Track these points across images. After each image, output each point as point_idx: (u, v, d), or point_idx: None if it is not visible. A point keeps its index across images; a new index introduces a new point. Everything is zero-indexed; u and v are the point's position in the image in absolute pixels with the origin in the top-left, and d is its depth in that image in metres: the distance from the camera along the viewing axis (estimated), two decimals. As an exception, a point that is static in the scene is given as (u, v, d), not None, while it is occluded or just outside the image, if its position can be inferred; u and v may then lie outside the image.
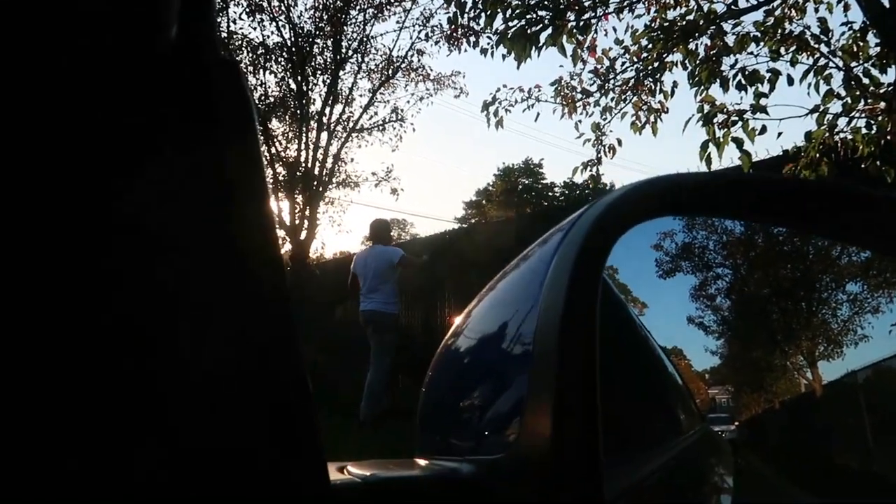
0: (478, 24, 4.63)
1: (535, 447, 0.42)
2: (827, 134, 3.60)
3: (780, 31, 3.97)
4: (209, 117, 0.27)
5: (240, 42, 12.25)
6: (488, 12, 4.10)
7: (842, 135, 3.65)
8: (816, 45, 3.88)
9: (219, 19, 11.77)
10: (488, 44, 4.61)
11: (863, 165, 3.56)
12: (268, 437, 0.26)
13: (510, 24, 4.10)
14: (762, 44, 3.97)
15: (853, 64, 3.80)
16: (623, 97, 4.72)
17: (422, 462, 0.60)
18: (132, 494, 0.24)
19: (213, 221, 0.27)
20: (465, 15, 4.52)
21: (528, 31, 3.94)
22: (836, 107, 3.73)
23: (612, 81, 4.73)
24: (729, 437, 0.77)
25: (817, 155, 3.60)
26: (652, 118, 4.68)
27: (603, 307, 0.50)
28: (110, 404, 0.24)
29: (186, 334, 0.26)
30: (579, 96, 4.86)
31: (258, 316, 0.27)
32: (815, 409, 0.77)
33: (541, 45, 4.00)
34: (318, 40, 12.44)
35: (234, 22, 12.25)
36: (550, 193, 31.85)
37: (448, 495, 0.49)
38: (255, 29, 13.40)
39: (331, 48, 12.47)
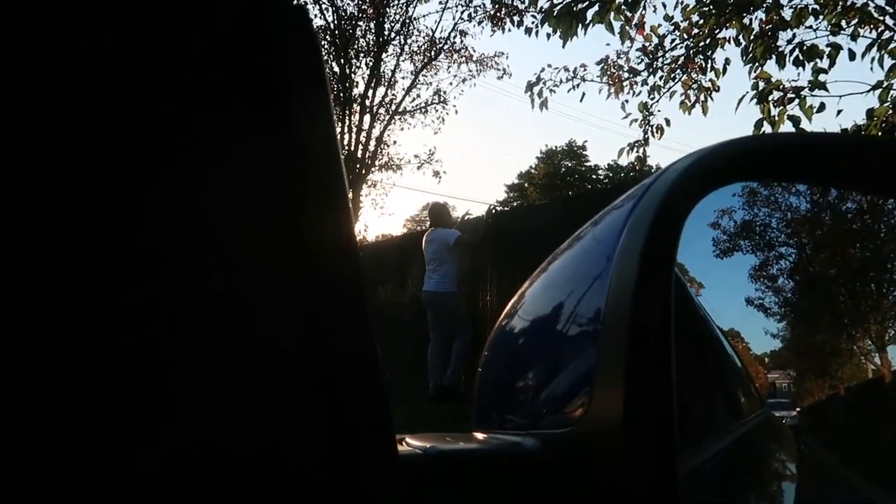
0: (522, 2, 4.56)
1: (605, 423, 0.41)
2: (890, 111, 3.43)
3: (840, 3, 3.78)
4: (276, 106, 0.27)
5: (284, 26, 12.33)
6: (533, -10, 4.03)
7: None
8: (881, 18, 3.68)
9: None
10: (533, 23, 4.54)
11: (929, 144, 3.38)
12: (337, 438, 0.26)
13: (555, 1, 4.02)
14: (821, 17, 3.80)
15: (921, 37, 3.59)
16: (672, 76, 4.59)
17: (480, 436, 0.59)
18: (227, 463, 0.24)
19: (282, 216, 0.26)
20: (509, -7, 4.45)
21: (575, 9, 3.85)
22: (901, 82, 3.54)
23: (660, 59, 4.60)
24: (790, 423, 0.74)
25: (879, 133, 3.43)
26: (702, 97, 4.54)
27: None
28: (190, 401, 0.24)
29: (263, 326, 0.25)
30: (626, 75, 4.75)
31: (332, 304, 0.26)
32: (884, 396, 0.73)
33: (587, 22, 3.91)
34: (361, 23, 12.46)
35: (279, 6, 12.33)
36: (594, 176, 31.38)
37: (512, 469, 0.48)
38: (298, 13, 13.44)
39: (373, 30, 12.49)
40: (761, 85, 3.42)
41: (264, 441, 0.25)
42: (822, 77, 3.38)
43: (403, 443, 0.50)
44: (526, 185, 32.09)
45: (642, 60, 4.67)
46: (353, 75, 12.51)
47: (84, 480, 0.22)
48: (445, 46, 12.71)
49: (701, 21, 4.26)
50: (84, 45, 0.24)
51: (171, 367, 0.24)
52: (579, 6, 3.85)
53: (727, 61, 4.48)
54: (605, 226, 0.56)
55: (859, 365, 0.74)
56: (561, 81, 4.79)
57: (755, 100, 3.41)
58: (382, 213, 19.25)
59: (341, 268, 0.27)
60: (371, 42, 12.50)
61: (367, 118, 12.54)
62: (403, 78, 13.08)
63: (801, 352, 0.77)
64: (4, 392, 0.22)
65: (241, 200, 0.26)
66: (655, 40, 4.53)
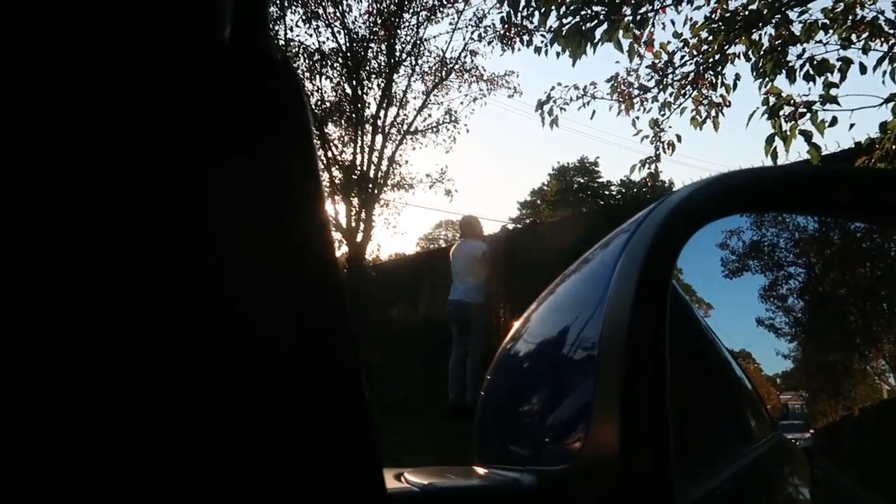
0: (531, 22, 4.60)
1: (601, 457, 0.40)
2: (904, 125, 3.40)
3: (850, 17, 3.77)
4: (264, 118, 0.27)
5: (297, 49, 12.53)
6: (542, 10, 4.06)
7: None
8: (891, 31, 3.67)
9: (276, 27, 12.09)
10: (542, 42, 4.56)
11: (944, 157, 3.34)
12: (322, 441, 0.26)
13: (564, 21, 4.04)
14: (831, 31, 3.78)
15: (933, 49, 3.57)
16: (682, 92, 4.58)
17: (481, 471, 0.58)
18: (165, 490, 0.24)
19: (268, 223, 0.27)
20: (519, 14, 4.48)
21: (583, 28, 3.88)
22: (913, 95, 3.51)
23: (670, 76, 4.61)
24: (803, 445, 0.73)
25: (893, 147, 3.40)
26: (713, 112, 4.53)
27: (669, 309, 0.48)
28: (148, 406, 0.24)
29: (241, 338, 0.26)
30: (636, 92, 4.75)
31: (314, 317, 0.27)
32: (898, 417, 0.72)
33: (596, 41, 3.93)
34: (373, 45, 12.60)
35: (291, 29, 12.55)
36: (607, 192, 31.29)
37: None
38: (311, 36, 13.68)
39: (385, 52, 12.62)
40: (772, 100, 3.41)
41: (255, 442, 0.25)
42: (833, 91, 3.36)
43: (402, 478, 0.50)
44: (538, 201, 32.06)
45: (652, 77, 4.68)
46: (365, 96, 12.64)
47: (76, 481, 0.23)
48: (456, 66, 12.83)
49: (710, 37, 4.27)
50: (84, 45, 0.25)
51: (165, 366, 0.24)
52: (588, 25, 3.87)
53: (737, 76, 4.47)
54: (612, 250, 0.57)
55: (873, 385, 0.73)
56: (571, 99, 4.80)
57: (766, 115, 3.39)
58: (395, 232, 19.32)
59: (325, 273, 0.28)
60: (383, 63, 12.64)
61: (379, 138, 12.65)
62: (415, 98, 13.20)
63: (813, 372, 0.76)
64: (3, 392, 0.23)
65: (234, 204, 0.26)
66: (665, 57, 4.54)
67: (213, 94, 0.27)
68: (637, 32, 4.08)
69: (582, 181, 32.19)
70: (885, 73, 3.54)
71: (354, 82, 12.48)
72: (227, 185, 0.26)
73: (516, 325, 0.72)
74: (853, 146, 3.96)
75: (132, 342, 0.24)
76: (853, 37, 3.72)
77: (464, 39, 13.38)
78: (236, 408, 0.25)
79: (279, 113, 0.28)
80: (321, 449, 0.26)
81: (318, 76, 12.65)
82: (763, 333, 0.78)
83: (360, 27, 12.56)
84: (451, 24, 12.93)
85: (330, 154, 12.47)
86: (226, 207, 0.26)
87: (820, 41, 3.76)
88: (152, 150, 0.25)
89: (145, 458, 0.23)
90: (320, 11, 12.35)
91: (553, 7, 4.05)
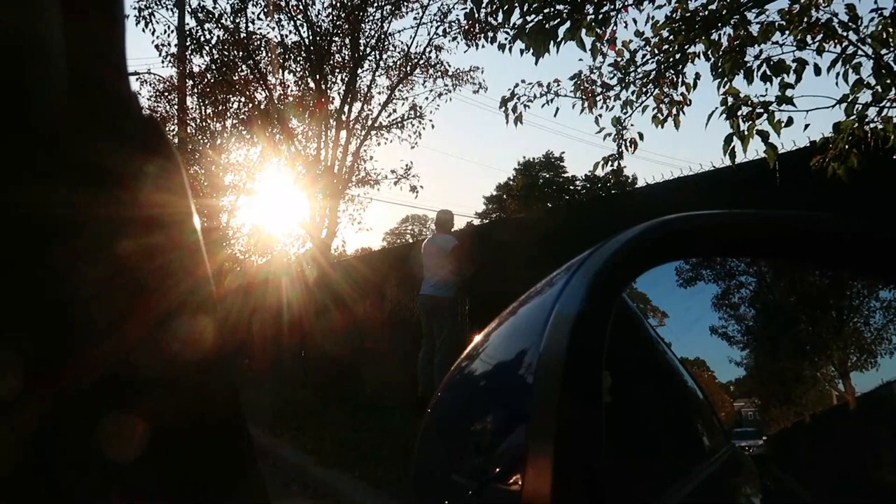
0: (495, 19, 4.59)
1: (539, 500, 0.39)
2: (856, 124, 3.50)
3: (805, 19, 3.86)
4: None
5: (258, 42, 12.32)
6: (505, 7, 4.05)
7: (872, 125, 3.54)
8: (844, 33, 3.76)
9: (237, 20, 11.85)
10: (506, 39, 4.56)
11: (894, 156, 3.45)
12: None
13: (527, 18, 4.04)
14: (787, 33, 3.87)
15: (884, 52, 3.67)
16: (644, 90, 4.64)
17: None
18: None
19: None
20: (482, 10, 4.47)
21: (546, 26, 3.89)
22: (865, 96, 3.61)
23: (632, 74, 4.65)
24: (757, 452, 0.73)
25: (846, 146, 3.50)
26: (674, 111, 4.59)
27: (617, 322, 0.47)
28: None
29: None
30: (599, 90, 4.79)
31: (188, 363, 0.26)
32: (849, 423, 0.73)
33: (559, 39, 3.94)
34: (336, 38, 12.46)
35: (253, 22, 12.32)
36: (572, 187, 31.62)
37: None
38: (273, 29, 13.45)
39: (349, 46, 12.48)
40: (730, 100, 3.47)
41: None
42: (788, 92, 3.44)
43: None
44: (504, 196, 32.22)
45: (614, 75, 4.72)
46: (328, 91, 12.49)
47: None
48: (421, 62, 12.76)
49: (671, 37, 4.32)
50: None
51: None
52: (551, 24, 3.88)
53: (697, 76, 4.55)
54: (547, 295, 0.56)
55: (823, 391, 0.74)
56: (535, 97, 4.82)
57: (724, 115, 3.45)
58: (360, 227, 19.16)
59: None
60: (347, 58, 12.49)
61: (343, 133, 12.51)
62: (379, 93, 13.09)
63: (765, 379, 0.77)
64: None
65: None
66: (627, 55, 4.58)
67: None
68: (599, 31, 4.11)
69: (547, 176, 32.46)
70: (838, 74, 3.63)
71: (318, 76, 12.32)
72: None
73: (474, 341, 0.70)
74: (808, 146, 4.06)
75: None
76: (808, 38, 3.80)
77: (428, 35, 13.33)
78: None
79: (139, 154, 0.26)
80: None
81: (280, 70, 12.45)
82: (716, 341, 0.78)
83: (323, 20, 12.41)
84: (415, 18, 12.86)
85: (293, 149, 12.31)
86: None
87: (776, 42, 3.84)
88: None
89: None
90: (282, 4, 12.15)
91: (516, 4, 4.05)
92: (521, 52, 4.36)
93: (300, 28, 12.37)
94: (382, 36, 12.51)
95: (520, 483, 0.42)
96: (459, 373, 0.69)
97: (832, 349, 0.75)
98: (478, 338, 0.71)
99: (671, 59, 4.41)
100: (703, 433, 0.73)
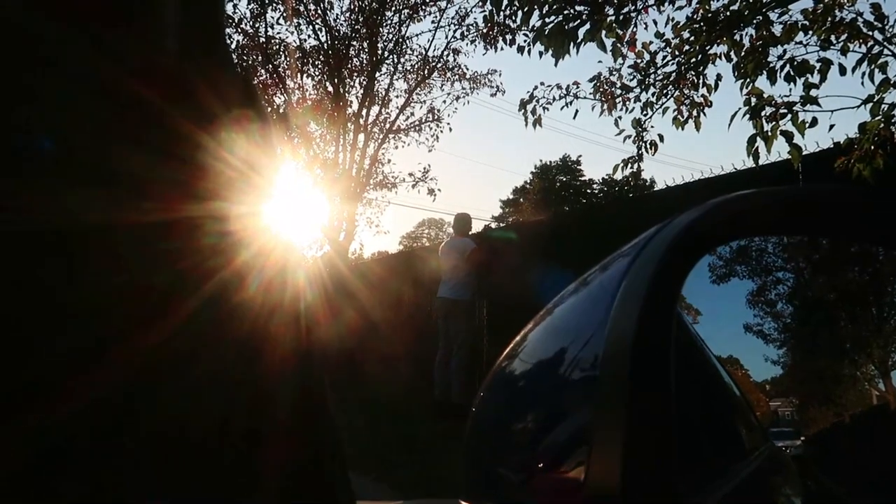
0: (514, 21, 4.58)
1: (602, 494, 0.38)
2: (882, 125, 3.44)
3: (829, 18, 3.81)
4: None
5: (278, 47, 12.42)
6: (525, 9, 4.05)
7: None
8: (870, 33, 3.70)
9: (257, 25, 11.96)
10: (525, 41, 4.56)
11: (922, 157, 3.39)
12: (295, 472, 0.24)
13: (547, 20, 4.03)
14: (811, 33, 3.82)
15: (910, 51, 3.61)
16: (664, 92, 4.60)
17: None
18: None
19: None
20: (501, 12, 4.46)
21: (566, 28, 3.87)
22: (892, 96, 3.56)
23: (652, 76, 4.62)
24: (794, 453, 0.71)
25: (872, 147, 3.44)
26: (695, 113, 4.56)
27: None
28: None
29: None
30: (619, 92, 4.76)
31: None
32: (890, 423, 0.71)
33: (579, 41, 3.93)
34: (355, 42, 12.53)
35: (272, 27, 12.44)
36: (589, 191, 31.47)
37: None
38: (292, 33, 13.56)
39: (367, 50, 12.55)
40: (753, 101, 3.43)
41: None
42: (813, 92, 3.39)
43: None
44: (521, 199, 32.16)
45: (634, 77, 4.69)
46: (346, 94, 12.56)
47: None
48: (438, 65, 12.79)
49: (692, 38, 4.29)
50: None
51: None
52: (571, 25, 3.87)
53: (719, 77, 4.51)
54: (612, 273, 0.54)
55: (863, 391, 0.72)
56: (554, 99, 4.80)
57: (748, 115, 3.41)
58: (378, 230, 19.25)
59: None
60: (365, 61, 12.56)
61: (361, 137, 12.57)
62: (397, 97, 13.14)
63: (803, 378, 0.75)
64: None
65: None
66: (647, 57, 4.56)
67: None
68: (619, 32, 4.09)
69: (564, 180, 32.34)
70: (863, 74, 3.58)
71: (336, 80, 12.40)
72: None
73: (513, 342, 0.69)
74: (832, 146, 4.00)
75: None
76: (832, 38, 3.75)
77: (446, 38, 13.34)
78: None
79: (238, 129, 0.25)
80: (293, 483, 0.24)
81: (299, 74, 12.55)
82: (751, 339, 0.77)
83: (341, 25, 12.48)
84: (433, 22, 12.89)
85: (312, 152, 12.39)
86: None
87: (800, 42, 3.80)
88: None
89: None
90: (301, 8, 12.25)
91: (535, 6, 4.04)
92: (540, 54, 4.35)
93: (319, 32, 12.47)
94: (400, 40, 12.57)
95: (580, 475, 0.41)
96: (502, 371, 0.68)
97: (873, 347, 0.73)
98: (516, 338, 0.70)
99: (692, 61, 4.37)
100: (742, 431, 0.72)
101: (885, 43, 3.64)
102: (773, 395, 0.75)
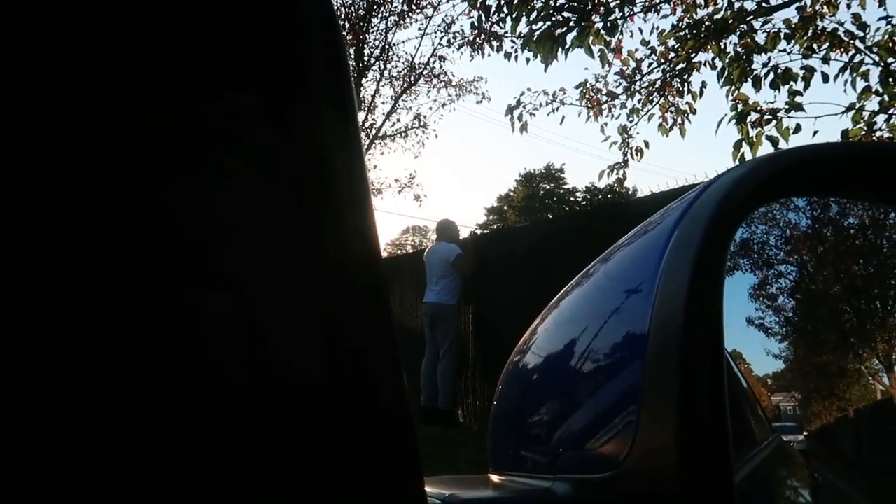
0: (502, 27, 4.60)
1: (654, 459, 0.37)
2: (864, 132, 3.49)
3: (811, 27, 3.87)
4: (295, 91, 0.23)
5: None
6: (513, 15, 4.06)
7: (880, 133, 3.53)
8: (850, 41, 3.76)
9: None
10: (512, 47, 4.57)
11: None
12: (364, 453, 0.22)
13: (535, 26, 4.05)
14: (793, 41, 3.87)
15: (890, 60, 3.67)
16: (650, 99, 4.64)
17: (496, 478, 0.54)
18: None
19: (302, 211, 0.23)
20: (489, 19, 4.48)
21: (555, 33, 3.89)
22: (872, 104, 3.61)
23: (638, 83, 4.66)
24: (798, 448, 0.70)
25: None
26: (679, 119, 4.60)
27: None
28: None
29: (272, 342, 0.21)
30: (605, 98, 4.80)
31: (352, 323, 0.23)
32: (894, 418, 0.70)
33: (567, 46, 3.95)
34: (341, 48, 12.49)
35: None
36: (572, 198, 31.69)
37: None
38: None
39: (353, 56, 12.54)
40: (740, 106, 3.47)
41: (275, 466, 0.21)
42: (797, 99, 3.43)
43: None
44: (505, 207, 32.28)
45: (620, 84, 4.73)
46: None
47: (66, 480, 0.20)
48: (425, 72, 12.82)
49: (677, 45, 4.33)
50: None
51: (165, 381, 0.21)
52: (559, 31, 3.89)
53: (703, 84, 4.56)
54: (622, 260, 0.53)
55: (868, 386, 0.72)
56: (541, 105, 4.82)
57: (734, 121, 3.45)
58: (363, 237, 19.04)
59: (363, 281, 0.23)
60: (351, 67, 12.54)
61: (346, 143, 12.52)
62: (383, 103, 13.17)
63: (807, 372, 0.74)
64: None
65: (249, 200, 0.22)
66: (633, 64, 4.59)
67: (220, 74, 0.22)
68: (607, 39, 4.12)
69: (548, 187, 32.53)
70: (846, 82, 3.63)
71: (322, 86, 12.37)
72: (243, 181, 0.22)
73: (523, 338, 0.68)
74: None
75: (130, 355, 0.20)
76: (815, 46, 3.81)
77: (433, 45, 13.39)
78: (244, 428, 0.21)
79: (314, 86, 0.23)
80: (360, 463, 0.22)
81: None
82: (753, 333, 0.76)
83: (327, 31, 12.45)
84: (420, 29, 12.92)
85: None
86: (239, 206, 0.22)
87: (784, 50, 3.85)
88: (150, 147, 0.21)
89: (132, 462, 0.20)
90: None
91: (524, 13, 4.06)
92: (528, 60, 4.37)
93: (304, 38, 12.43)
94: (386, 46, 12.59)
95: (626, 445, 0.40)
96: (516, 366, 0.66)
97: (877, 341, 0.73)
98: (525, 335, 0.69)
99: (677, 68, 4.41)
100: (751, 421, 0.71)
101: (866, 52, 3.70)
102: (775, 390, 0.75)
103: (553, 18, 3.90)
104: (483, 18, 4.49)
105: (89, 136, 0.21)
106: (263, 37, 0.22)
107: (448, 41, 12.44)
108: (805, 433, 0.71)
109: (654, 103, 4.67)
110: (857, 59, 3.71)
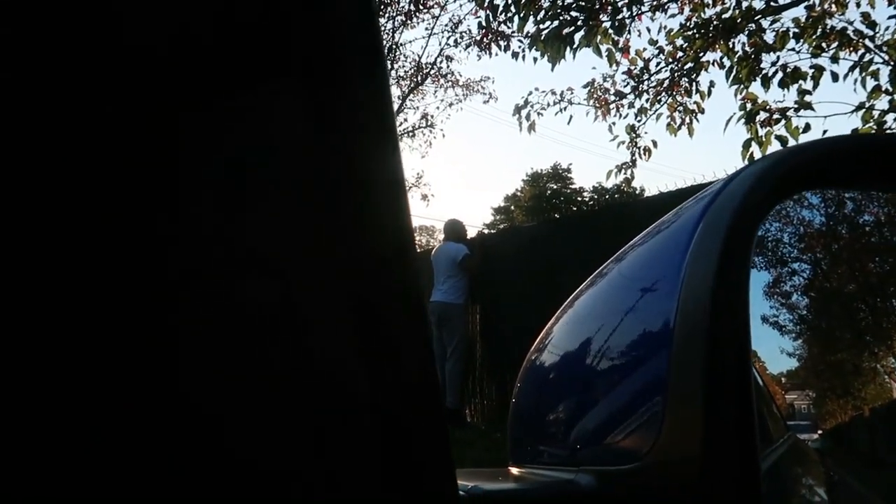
0: (509, 27, 4.59)
1: (679, 450, 0.37)
2: (874, 131, 3.47)
3: (820, 26, 3.84)
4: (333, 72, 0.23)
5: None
6: (521, 14, 4.06)
7: (890, 132, 3.51)
8: (860, 40, 3.74)
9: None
10: (520, 47, 4.57)
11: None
12: (396, 445, 0.22)
13: (542, 26, 4.04)
14: (802, 40, 3.85)
15: (900, 59, 3.65)
16: (658, 98, 4.63)
17: (516, 471, 0.54)
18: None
19: (337, 205, 0.23)
20: (497, 19, 4.47)
21: (563, 32, 3.89)
22: (882, 103, 3.59)
23: (646, 82, 4.65)
24: (812, 447, 0.70)
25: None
26: (688, 119, 4.58)
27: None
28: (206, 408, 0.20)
29: (298, 329, 0.22)
30: (613, 98, 4.78)
31: (386, 315, 0.23)
32: (910, 417, 0.70)
33: (575, 46, 3.94)
34: (347, 49, 12.51)
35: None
36: (579, 199, 31.62)
37: None
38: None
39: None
40: (749, 106, 3.46)
41: (312, 466, 0.21)
42: (807, 98, 3.42)
43: None
44: (512, 207, 32.24)
45: (628, 83, 4.71)
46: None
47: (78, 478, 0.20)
48: (432, 71, 12.83)
49: (685, 45, 4.32)
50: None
51: (196, 379, 0.21)
52: (567, 30, 3.88)
53: (711, 83, 4.54)
54: (638, 258, 0.53)
55: (883, 384, 0.71)
56: (548, 105, 4.82)
57: (743, 120, 3.43)
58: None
59: (396, 273, 0.23)
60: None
61: (353, 143, 12.54)
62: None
63: (821, 371, 0.74)
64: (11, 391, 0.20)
65: (283, 195, 0.22)
66: (641, 64, 4.58)
67: (255, 64, 0.22)
68: (615, 38, 4.11)
69: (555, 187, 32.48)
70: (855, 81, 3.61)
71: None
72: (277, 175, 0.22)
73: (539, 337, 0.68)
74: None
75: (160, 354, 0.20)
76: (824, 45, 3.78)
77: (440, 45, 13.40)
78: (278, 427, 0.21)
79: (352, 75, 0.23)
80: (390, 457, 0.22)
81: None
82: (767, 330, 0.76)
83: (334, 31, 12.48)
84: (427, 29, 12.93)
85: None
86: (274, 202, 0.22)
87: (792, 49, 3.83)
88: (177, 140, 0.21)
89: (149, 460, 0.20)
90: (294, 14, 12.24)
91: (531, 12, 4.05)
92: (535, 59, 4.37)
93: (311, 38, 12.46)
94: (393, 46, 12.59)
95: (649, 442, 0.40)
96: (534, 364, 0.66)
97: (893, 339, 0.72)
98: (541, 334, 0.69)
99: (685, 67, 4.40)
100: (767, 418, 0.70)
101: (876, 50, 3.68)
102: (790, 388, 0.74)
103: (561, 18, 3.90)
104: (490, 18, 4.49)
105: (139, 127, 0.21)
106: (302, 25, 0.22)
107: (455, 41, 12.46)
108: (820, 432, 0.71)
109: (662, 103, 4.65)
110: (867, 58, 3.68)
